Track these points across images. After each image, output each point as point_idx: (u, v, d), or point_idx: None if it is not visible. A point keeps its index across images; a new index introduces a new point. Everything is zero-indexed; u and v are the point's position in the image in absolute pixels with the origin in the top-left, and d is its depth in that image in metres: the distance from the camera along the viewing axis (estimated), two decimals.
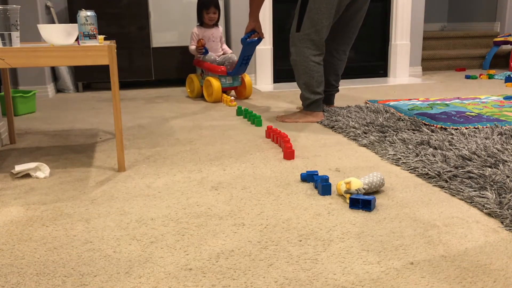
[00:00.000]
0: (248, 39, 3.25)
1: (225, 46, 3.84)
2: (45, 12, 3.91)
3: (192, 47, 3.71)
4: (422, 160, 1.92)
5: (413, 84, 4.30)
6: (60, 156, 2.18)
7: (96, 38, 1.92)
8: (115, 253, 1.27)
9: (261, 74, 4.31)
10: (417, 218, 1.44)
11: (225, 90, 3.59)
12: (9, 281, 1.14)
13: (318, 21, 2.66)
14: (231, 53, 3.72)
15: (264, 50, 4.25)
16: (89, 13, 1.89)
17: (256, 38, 3.25)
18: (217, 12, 3.70)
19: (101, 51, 1.81)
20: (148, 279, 1.14)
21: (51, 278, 1.15)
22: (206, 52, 3.61)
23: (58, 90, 4.16)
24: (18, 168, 1.88)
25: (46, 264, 1.22)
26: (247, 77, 3.62)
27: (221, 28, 3.80)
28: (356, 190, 1.56)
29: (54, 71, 4.11)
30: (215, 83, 3.43)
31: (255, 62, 4.28)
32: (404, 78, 4.66)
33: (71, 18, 3.88)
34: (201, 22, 3.73)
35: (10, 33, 1.81)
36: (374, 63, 4.74)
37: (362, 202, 1.51)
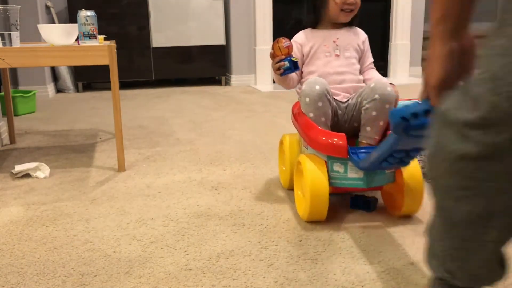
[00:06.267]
0: (410, 116, 0.97)
1: (374, 73, 1.65)
2: (45, 12, 3.91)
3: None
4: (422, 160, 1.92)
5: (413, 84, 4.30)
6: (60, 156, 2.18)
7: (96, 38, 1.92)
8: (115, 253, 1.27)
9: (261, 74, 4.31)
10: (417, 218, 1.44)
11: (343, 192, 1.58)
12: (9, 281, 1.14)
13: None
14: (391, 88, 1.44)
15: (264, 50, 4.25)
16: (89, 13, 1.89)
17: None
18: None
19: (101, 51, 1.81)
20: (148, 279, 1.14)
21: (51, 278, 1.15)
22: (290, 70, 1.53)
23: (58, 90, 4.16)
24: (18, 168, 1.88)
25: (46, 264, 1.22)
26: (414, 168, 1.45)
27: (363, 34, 1.68)
28: None
29: (54, 71, 4.11)
30: (317, 177, 1.38)
31: (255, 62, 4.28)
32: (404, 78, 4.66)
33: (71, 18, 3.88)
34: (316, 21, 1.64)
35: (10, 33, 1.81)
36: (374, 63, 4.75)
37: (362, 202, 1.51)
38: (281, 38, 1.52)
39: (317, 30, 1.63)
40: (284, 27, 4.33)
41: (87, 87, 4.35)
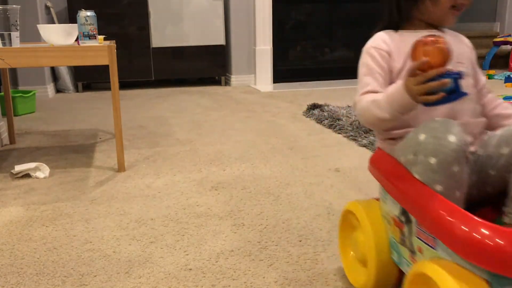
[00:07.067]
0: None
1: (505, 104, 1.09)
2: (45, 12, 3.91)
3: (363, 103, 0.98)
4: None
5: None
6: (60, 156, 2.18)
7: (96, 38, 1.92)
8: (115, 253, 1.27)
9: (261, 74, 4.31)
10: None
11: None
12: (9, 281, 1.15)
13: None
14: None
15: (264, 50, 4.25)
16: (89, 13, 1.89)
17: None
18: None
19: (101, 51, 1.81)
20: (148, 279, 1.14)
21: (51, 278, 1.15)
22: (454, 95, 0.84)
23: (58, 90, 4.16)
24: (18, 168, 1.88)
25: (46, 264, 1.22)
26: None
27: (467, 40, 1.11)
28: None
29: (54, 71, 4.11)
30: None
31: (254, 62, 4.28)
32: None
33: (71, 18, 3.88)
34: (400, 21, 1.05)
35: (10, 33, 1.81)
36: None
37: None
38: (435, 37, 0.86)
39: (404, 32, 1.04)
40: (284, 27, 4.33)
41: (87, 87, 4.35)
